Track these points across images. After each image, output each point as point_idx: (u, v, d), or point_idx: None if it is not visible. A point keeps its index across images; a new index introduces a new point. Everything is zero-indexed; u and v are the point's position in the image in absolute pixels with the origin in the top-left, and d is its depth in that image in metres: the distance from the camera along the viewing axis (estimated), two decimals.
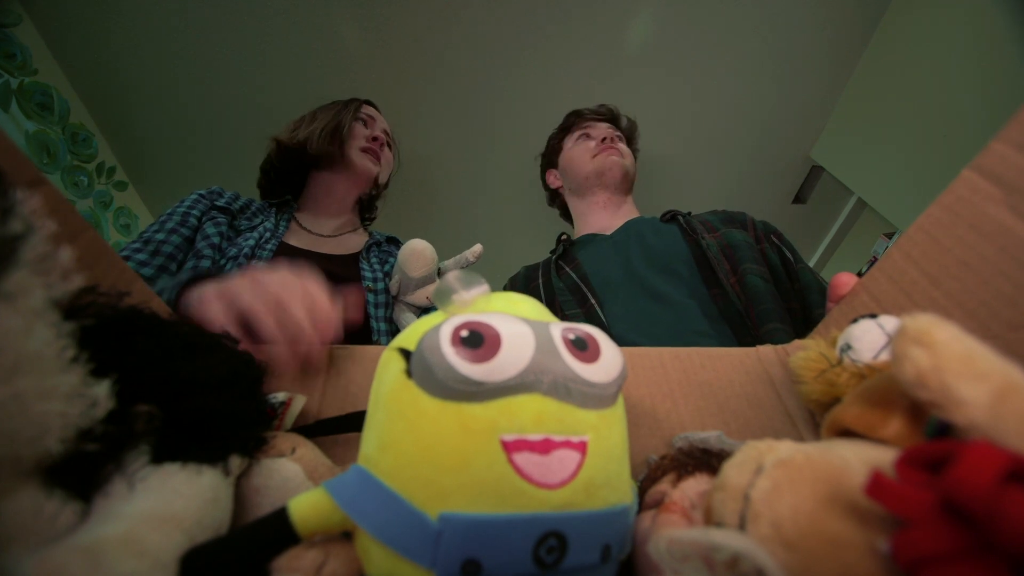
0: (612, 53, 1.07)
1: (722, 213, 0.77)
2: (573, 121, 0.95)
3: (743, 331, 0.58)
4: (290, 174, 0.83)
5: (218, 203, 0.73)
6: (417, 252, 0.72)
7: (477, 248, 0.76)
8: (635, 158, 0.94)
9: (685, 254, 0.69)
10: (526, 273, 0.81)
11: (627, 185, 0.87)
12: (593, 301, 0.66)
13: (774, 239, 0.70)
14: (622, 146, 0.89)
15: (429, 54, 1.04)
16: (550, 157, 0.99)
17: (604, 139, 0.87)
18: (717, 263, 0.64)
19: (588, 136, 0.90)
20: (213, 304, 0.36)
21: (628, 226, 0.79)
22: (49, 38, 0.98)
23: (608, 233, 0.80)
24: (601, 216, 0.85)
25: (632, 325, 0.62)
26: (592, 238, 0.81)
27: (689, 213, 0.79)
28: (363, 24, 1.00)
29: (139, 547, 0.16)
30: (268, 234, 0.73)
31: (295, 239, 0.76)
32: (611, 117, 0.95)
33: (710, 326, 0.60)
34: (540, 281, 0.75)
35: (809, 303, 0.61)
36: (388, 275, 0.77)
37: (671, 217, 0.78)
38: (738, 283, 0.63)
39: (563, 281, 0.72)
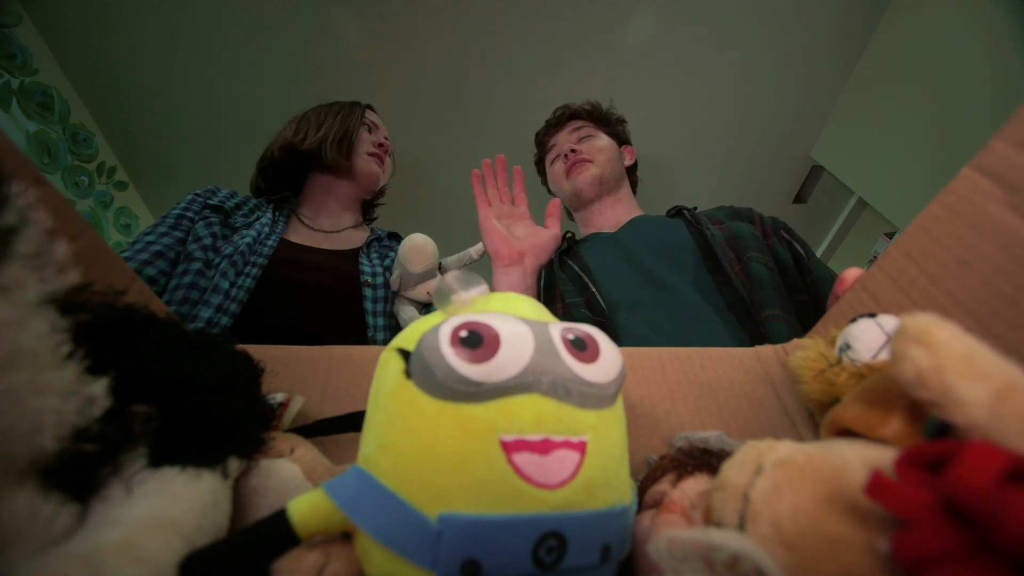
0: (612, 52, 1.07)
1: (728, 208, 0.77)
2: (543, 141, 0.95)
3: (748, 319, 0.58)
4: (291, 174, 0.83)
5: (211, 201, 0.73)
6: (417, 247, 0.72)
7: (480, 246, 0.77)
8: (620, 138, 0.92)
9: (690, 244, 0.69)
10: None
11: (611, 183, 0.86)
12: (594, 289, 0.66)
13: (784, 234, 0.70)
14: (590, 147, 0.86)
15: (428, 51, 1.04)
16: (543, 177, 1.00)
17: (566, 154, 0.86)
18: (722, 252, 0.64)
19: (557, 155, 0.89)
20: None
21: (632, 223, 0.79)
22: (49, 38, 0.98)
23: (612, 232, 0.80)
24: (604, 217, 0.85)
25: (634, 313, 0.62)
26: (596, 236, 0.81)
27: (695, 208, 0.79)
28: (363, 24, 1.00)
29: (138, 554, 0.16)
30: (267, 230, 0.73)
31: (296, 235, 0.77)
32: (568, 116, 0.92)
33: (715, 315, 0.60)
34: (542, 270, 0.75)
35: (822, 295, 0.61)
36: (388, 270, 0.77)
37: (676, 212, 0.78)
38: (743, 271, 0.63)
39: (565, 272, 0.72)
